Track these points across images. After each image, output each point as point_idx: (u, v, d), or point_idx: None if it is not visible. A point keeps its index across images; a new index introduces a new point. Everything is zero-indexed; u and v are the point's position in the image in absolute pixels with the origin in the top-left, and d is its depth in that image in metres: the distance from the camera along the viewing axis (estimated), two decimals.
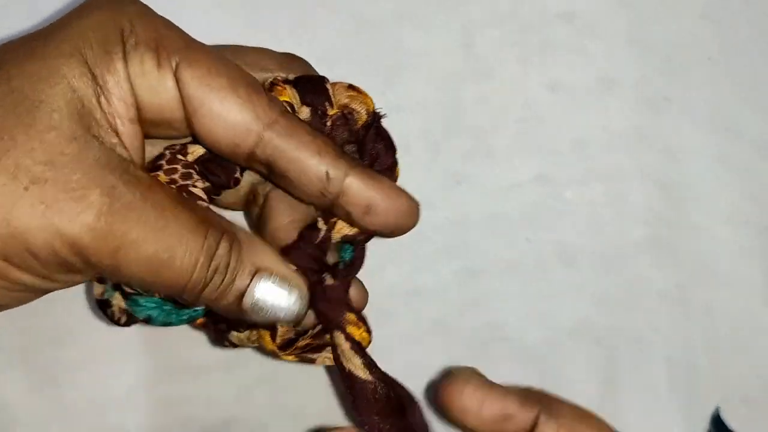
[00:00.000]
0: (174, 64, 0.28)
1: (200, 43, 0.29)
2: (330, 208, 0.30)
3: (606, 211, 0.41)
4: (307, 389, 0.39)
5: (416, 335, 0.40)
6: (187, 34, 0.29)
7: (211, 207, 0.31)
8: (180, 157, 0.30)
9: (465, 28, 0.42)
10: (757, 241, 0.41)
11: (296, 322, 0.31)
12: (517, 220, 0.41)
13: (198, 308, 0.30)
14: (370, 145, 0.31)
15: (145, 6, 0.29)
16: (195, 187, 0.30)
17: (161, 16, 0.29)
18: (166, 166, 0.30)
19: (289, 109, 0.30)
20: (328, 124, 0.31)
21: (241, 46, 0.32)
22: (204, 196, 0.30)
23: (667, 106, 0.42)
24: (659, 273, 0.41)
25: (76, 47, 0.27)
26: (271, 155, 0.29)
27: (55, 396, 0.37)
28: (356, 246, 0.32)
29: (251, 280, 0.29)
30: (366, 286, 0.38)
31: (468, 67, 0.41)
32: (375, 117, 0.32)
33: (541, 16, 0.42)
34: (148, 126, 0.29)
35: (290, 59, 0.32)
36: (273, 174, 0.30)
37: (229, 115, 0.28)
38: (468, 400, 0.30)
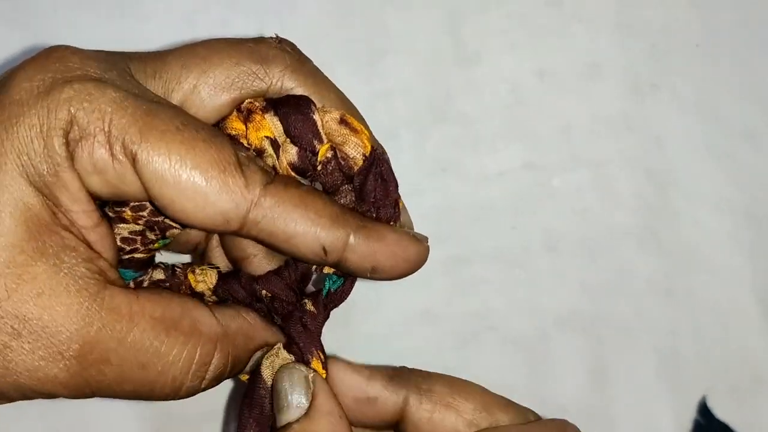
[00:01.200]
0: (131, 155, 0.25)
1: (158, 107, 0.26)
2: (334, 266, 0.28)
3: (593, 198, 0.41)
4: None
5: (402, 325, 0.39)
6: (143, 103, 0.25)
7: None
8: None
9: (452, 13, 0.41)
10: (745, 229, 0.41)
11: None
12: (503, 207, 0.40)
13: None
14: (370, 193, 0.28)
15: (84, 85, 0.25)
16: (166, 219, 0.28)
17: (108, 87, 0.25)
18: (132, 203, 0.27)
19: (270, 148, 0.27)
20: (319, 167, 0.28)
21: (212, 41, 0.29)
22: (176, 225, 0.28)
23: (655, 93, 0.41)
24: (646, 261, 0.40)
25: (16, 164, 0.24)
26: (258, 234, 0.26)
27: None
28: (347, 279, 0.30)
29: (250, 363, 0.29)
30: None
31: (455, 53, 0.41)
32: (373, 158, 0.28)
33: (529, 2, 0.42)
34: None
35: (262, 48, 0.28)
36: (266, 246, 0.27)
37: (205, 210, 0.25)
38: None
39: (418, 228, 0.39)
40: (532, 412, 0.30)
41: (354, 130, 0.28)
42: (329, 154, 0.28)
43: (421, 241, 0.29)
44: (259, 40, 0.29)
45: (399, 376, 0.29)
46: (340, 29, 0.40)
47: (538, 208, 0.40)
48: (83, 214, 0.25)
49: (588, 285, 0.40)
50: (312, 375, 0.28)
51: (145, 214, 0.27)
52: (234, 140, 0.27)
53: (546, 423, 0.30)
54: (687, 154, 0.41)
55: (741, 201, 0.41)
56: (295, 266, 0.29)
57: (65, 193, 0.25)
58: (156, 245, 0.29)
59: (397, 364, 0.38)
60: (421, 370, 0.30)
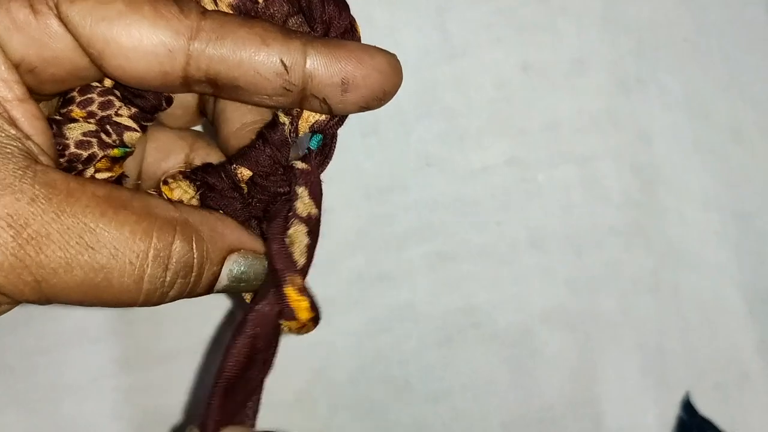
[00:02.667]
0: (53, 4, 0.23)
1: None
2: (301, 105, 0.25)
3: (578, 194, 0.40)
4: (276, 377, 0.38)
5: (386, 322, 0.39)
6: None
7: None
8: (95, 84, 0.25)
9: (438, 7, 0.41)
10: (731, 226, 0.41)
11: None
12: (488, 203, 0.40)
13: None
14: (318, 10, 0.25)
15: None
16: (119, 116, 0.26)
17: None
18: (79, 98, 0.25)
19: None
20: (260, 1, 0.26)
21: None
22: (134, 125, 0.26)
23: (642, 89, 0.41)
24: (632, 258, 0.40)
25: None
26: (209, 69, 0.24)
27: (10, 382, 0.36)
28: (326, 134, 0.27)
29: (221, 266, 0.25)
30: (332, 272, 0.37)
31: (441, 48, 0.41)
32: None
33: None
34: (49, 87, 0.24)
35: None
36: (222, 89, 0.25)
37: (143, 44, 0.23)
38: None
39: (402, 225, 0.39)
40: None
41: None
42: None
43: (391, 53, 0.26)
44: None
45: None
46: None
47: (524, 203, 0.40)
48: (2, 84, 0.23)
49: (574, 281, 0.40)
50: None
51: (94, 108, 0.25)
52: None
53: None
54: (673, 150, 0.41)
55: (728, 197, 0.41)
56: (269, 135, 0.27)
57: None
58: (115, 152, 0.26)
59: (381, 361, 0.38)
60: None
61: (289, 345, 0.38)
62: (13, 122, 0.23)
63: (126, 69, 0.23)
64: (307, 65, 0.24)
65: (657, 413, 0.40)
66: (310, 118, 0.26)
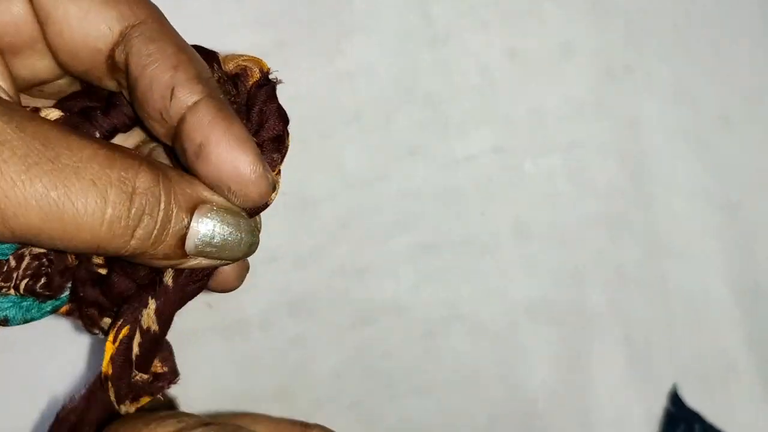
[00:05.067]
0: None
1: None
2: (172, 142, 0.25)
3: (564, 184, 0.40)
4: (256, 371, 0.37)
5: (368, 314, 0.38)
6: None
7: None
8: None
9: None
10: (718, 216, 0.41)
11: (248, 255, 0.26)
12: (472, 193, 0.39)
13: (62, 296, 0.27)
14: (258, 106, 0.26)
15: None
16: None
17: None
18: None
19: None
20: (215, 75, 0.26)
21: None
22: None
23: (629, 75, 0.41)
24: (618, 249, 0.40)
25: None
26: (126, 58, 0.24)
27: None
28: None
29: (191, 217, 0.24)
30: (314, 264, 0.36)
31: (423, 32, 0.40)
32: (268, 78, 0.27)
33: None
34: (6, 57, 0.25)
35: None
36: (128, 85, 0.25)
37: (88, 16, 0.24)
38: None
39: (385, 216, 0.39)
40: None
41: (255, 57, 0.27)
42: (226, 74, 0.27)
43: (263, 170, 0.25)
44: None
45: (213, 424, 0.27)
46: (304, 6, 0.39)
47: (509, 193, 0.40)
48: None
49: (559, 273, 0.40)
50: None
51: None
52: None
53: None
54: (661, 139, 0.41)
55: (715, 187, 0.41)
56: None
57: None
58: None
59: (364, 354, 0.38)
60: (230, 413, 0.30)
61: (268, 338, 0.38)
62: None
63: (65, 36, 0.24)
64: (189, 110, 0.24)
65: (643, 406, 0.40)
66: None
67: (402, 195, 0.39)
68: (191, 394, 0.36)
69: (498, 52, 0.40)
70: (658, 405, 0.40)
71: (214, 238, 0.24)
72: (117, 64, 0.24)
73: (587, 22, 0.41)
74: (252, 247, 0.25)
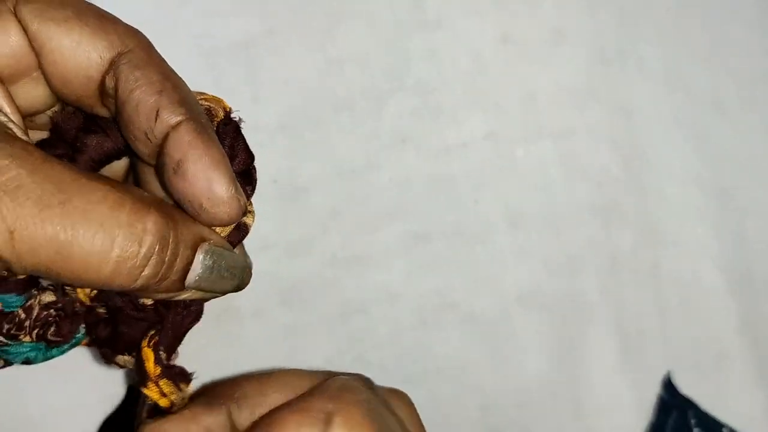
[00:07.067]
0: (11, 5, 0.25)
1: None
2: (156, 163, 0.27)
3: (557, 171, 0.40)
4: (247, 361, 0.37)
5: (360, 304, 0.38)
6: None
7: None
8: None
9: None
10: (712, 204, 0.41)
11: (238, 290, 0.28)
12: (465, 180, 0.39)
13: (78, 334, 0.28)
14: (229, 141, 0.28)
15: None
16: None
17: None
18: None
19: None
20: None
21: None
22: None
23: (622, 61, 0.40)
24: (610, 236, 0.40)
25: None
26: (116, 84, 0.26)
27: None
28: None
29: (194, 254, 0.26)
30: (305, 253, 0.36)
31: (414, 18, 0.39)
32: (230, 117, 0.28)
33: None
34: (6, 84, 0.26)
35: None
36: (116, 108, 0.26)
37: (80, 46, 0.26)
38: None
39: (376, 205, 0.38)
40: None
41: (215, 97, 0.29)
42: None
43: (234, 193, 0.26)
44: None
45: (212, 395, 0.29)
46: None
47: (501, 181, 0.39)
48: None
49: (552, 261, 0.39)
50: None
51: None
52: None
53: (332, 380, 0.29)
54: (654, 125, 0.41)
55: (709, 174, 0.41)
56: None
57: None
58: None
59: (356, 343, 0.38)
60: (226, 380, 0.31)
61: (260, 326, 0.38)
62: None
63: (59, 65, 0.26)
64: (172, 130, 0.25)
65: (636, 394, 0.40)
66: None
67: (394, 183, 0.38)
68: None
69: (490, 37, 0.40)
70: (651, 392, 0.40)
71: (212, 273, 0.26)
72: (107, 90, 0.26)
73: (580, 8, 0.40)
74: (242, 284, 0.28)
